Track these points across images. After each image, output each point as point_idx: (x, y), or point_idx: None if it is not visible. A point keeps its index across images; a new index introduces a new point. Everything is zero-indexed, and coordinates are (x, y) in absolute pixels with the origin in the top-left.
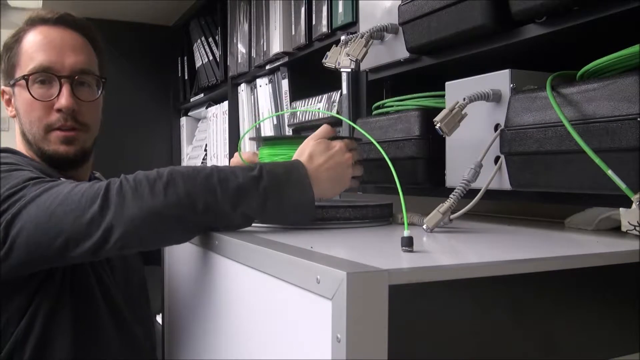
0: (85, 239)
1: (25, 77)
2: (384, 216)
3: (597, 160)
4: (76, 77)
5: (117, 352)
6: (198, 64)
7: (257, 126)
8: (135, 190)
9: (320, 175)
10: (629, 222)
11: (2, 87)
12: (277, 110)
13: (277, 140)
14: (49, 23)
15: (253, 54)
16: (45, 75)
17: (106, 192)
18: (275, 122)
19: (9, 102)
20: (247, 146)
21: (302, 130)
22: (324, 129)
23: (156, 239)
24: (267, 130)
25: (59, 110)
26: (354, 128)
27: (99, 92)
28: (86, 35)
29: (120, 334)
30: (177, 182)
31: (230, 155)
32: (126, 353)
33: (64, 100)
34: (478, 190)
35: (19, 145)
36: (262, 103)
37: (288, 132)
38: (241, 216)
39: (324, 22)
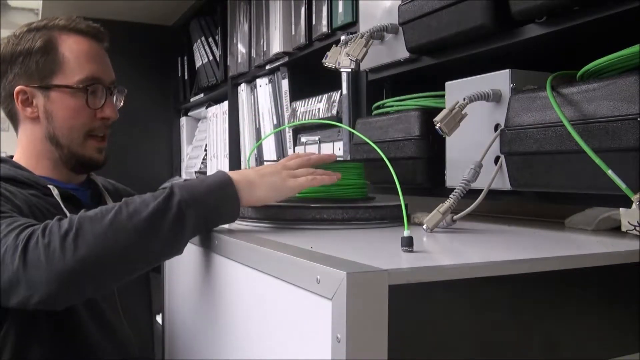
0: (12, 293)
1: (86, 87)
2: (392, 217)
3: (597, 160)
4: (114, 89)
5: (101, 353)
6: (198, 64)
7: (258, 132)
8: (47, 248)
9: (246, 173)
10: (629, 222)
11: (21, 87)
12: (277, 110)
13: None
14: (88, 35)
15: (253, 54)
16: (97, 85)
17: (24, 250)
18: (275, 122)
19: (25, 102)
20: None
21: (303, 130)
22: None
23: (83, 292)
24: (268, 131)
25: (103, 119)
26: (354, 129)
27: (122, 101)
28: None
29: (105, 335)
30: (85, 230)
31: (231, 155)
32: (113, 354)
33: (111, 111)
34: (478, 190)
35: (31, 146)
36: (262, 103)
37: (288, 132)
38: (166, 241)
39: (324, 22)
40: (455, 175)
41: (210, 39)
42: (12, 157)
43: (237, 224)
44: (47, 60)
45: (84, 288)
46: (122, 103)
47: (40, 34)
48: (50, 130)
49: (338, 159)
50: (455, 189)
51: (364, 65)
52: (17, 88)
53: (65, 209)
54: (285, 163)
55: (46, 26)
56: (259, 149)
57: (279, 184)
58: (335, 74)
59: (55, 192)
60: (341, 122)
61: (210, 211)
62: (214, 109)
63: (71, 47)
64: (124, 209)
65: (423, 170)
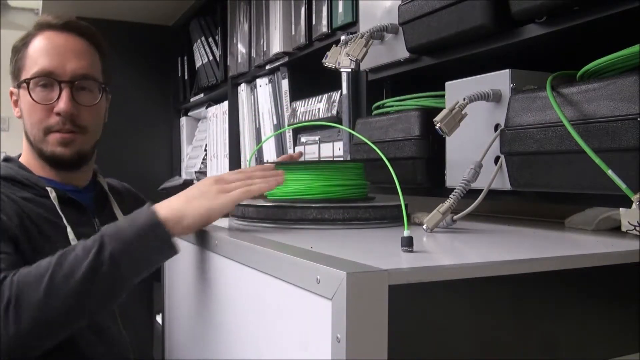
0: None
1: (27, 81)
2: (392, 217)
3: (597, 160)
4: (76, 82)
5: (95, 356)
6: (198, 64)
7: (258, 132)
8: None
9: (174, 203)
10: (629, 222)
11: (11, 88)
12: (277, 110)
13: (290, 165)
14: (55, 28)
15: (253, 54)
16: (47, 79)
17: None
18: (275, 122)
19: (16, 103)
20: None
21: (302, 130)
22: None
23: (32, 353)
24: (268, 131)
25: (58, 114)
26: (354, 130)
27: (100, 97)
28: (91, 40)
29: (101, 342)
30: (24, 300)
31: (231, 155)
32: (107, 356)
33: (62, 104)
34: (478, 190)
35: (24, 145)
36: (262, 103)
37: (288, 132)
38: (105, 295)
39: (324, 22)
40: (455, 175)
41: (210, 39)
42: (19, 156)
43: (237, 224)
44: (18, 59)
45: (32, 350)
46: (97, 99)
47: (25, 34)
48: (24, 128)
49: (337, 159)
50: (455, 189)
51: (364, 65)
52: (10, 90)
53: (61, 213)
54: (221, 177)
55: (33, 26)
56: (259, 149)
57: (208, 204)
58: (335, 74)
59: (52, 194)
60: (341, 122)
61: (143, 257)
62: (214, 109)
63: (35, 44)
64: (59, 271)
65: (423, 170)
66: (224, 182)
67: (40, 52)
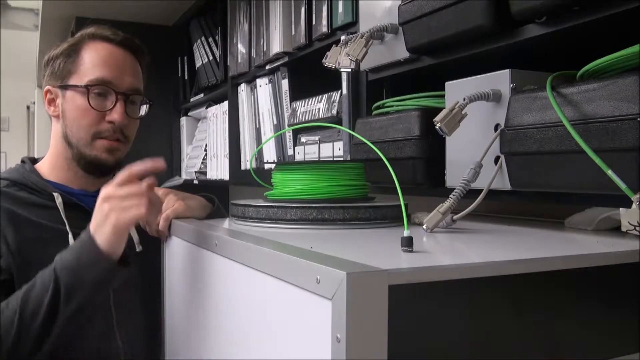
0: None
1: (87, 87)
2: (393, 217)
3: (597, 160)
4: (130, 96)
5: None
6: (198, 64)
7: (258, 132)
8: None
9: (102, 233)
10: (629, 222)
11: (48, 87)
12: (277, 110)
13: (290, 165)
14: (113, 42)
15: (253, 54)
16: (105, 88)
17: None
18: (275, 122)
19: (51, 102)
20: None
21: (302, 130)
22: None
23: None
24: (268, 131)
25: (110, 122)
26: (353, 130)
27: (143, 111)
28: (140, 59)
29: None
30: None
31: (231, 155)
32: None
33: (117, 115)
34: (478, 190)
35: (54, 144)
36: (262, 103)
37: (288, 132)
38: (66, 322)
39: (324, 22)
40: (455, 175)
41: (210, 39)
42: (34, 158)
43: (237, 224)
44: (67, 62)
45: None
46: (141, 112)
47: (72, 40)
48: (64, 128)
49: (337, 159)
50: (455, 189)
51: (364, 65)
52: (45, 88)
53: (65, 218)
54: (113, 192)
55: (80, 35)
56: (260, 149)
57: (111, 229)
58: (335, 74)
59: (58, 200)
60: (341, 122)
61: (93, 287)
62: (214, 109)
63: (91, 51)
64: (26, 311)
65: (423, 170)
66: (117, 197)
67: (99, 61)
